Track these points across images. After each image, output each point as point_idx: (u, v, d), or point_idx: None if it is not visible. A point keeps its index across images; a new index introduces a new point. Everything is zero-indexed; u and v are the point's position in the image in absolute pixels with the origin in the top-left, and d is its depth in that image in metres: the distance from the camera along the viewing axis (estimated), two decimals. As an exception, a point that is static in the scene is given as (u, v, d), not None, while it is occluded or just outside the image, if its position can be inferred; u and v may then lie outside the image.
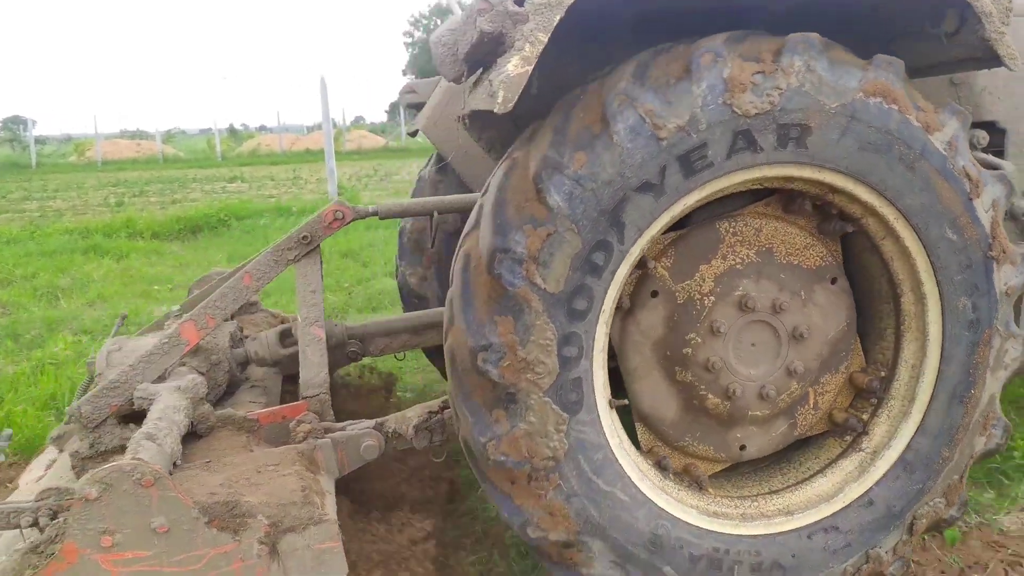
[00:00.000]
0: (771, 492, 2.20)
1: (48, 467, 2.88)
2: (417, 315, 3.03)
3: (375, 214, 2.68)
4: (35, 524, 1.84)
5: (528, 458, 1.84)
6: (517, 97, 1.66)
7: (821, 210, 2.09)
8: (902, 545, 2.15)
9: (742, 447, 2.19)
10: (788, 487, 2.20)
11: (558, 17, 1.65)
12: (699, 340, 2.04)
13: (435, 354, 3.46)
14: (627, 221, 1.78)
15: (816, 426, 2.26)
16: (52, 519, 1.84)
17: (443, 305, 3.29)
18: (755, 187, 1.95)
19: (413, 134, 3.74)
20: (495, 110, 1.66)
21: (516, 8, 1.67)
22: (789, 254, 2.10)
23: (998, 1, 1.86)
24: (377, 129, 49.10)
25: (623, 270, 1.84)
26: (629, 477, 1.95)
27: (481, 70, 1.87)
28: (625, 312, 2.06)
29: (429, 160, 3.58)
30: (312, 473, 2.00)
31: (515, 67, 1.65)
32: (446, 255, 3.41)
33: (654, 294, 2.06)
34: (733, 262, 2.06)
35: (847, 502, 2.11)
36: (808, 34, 1.83)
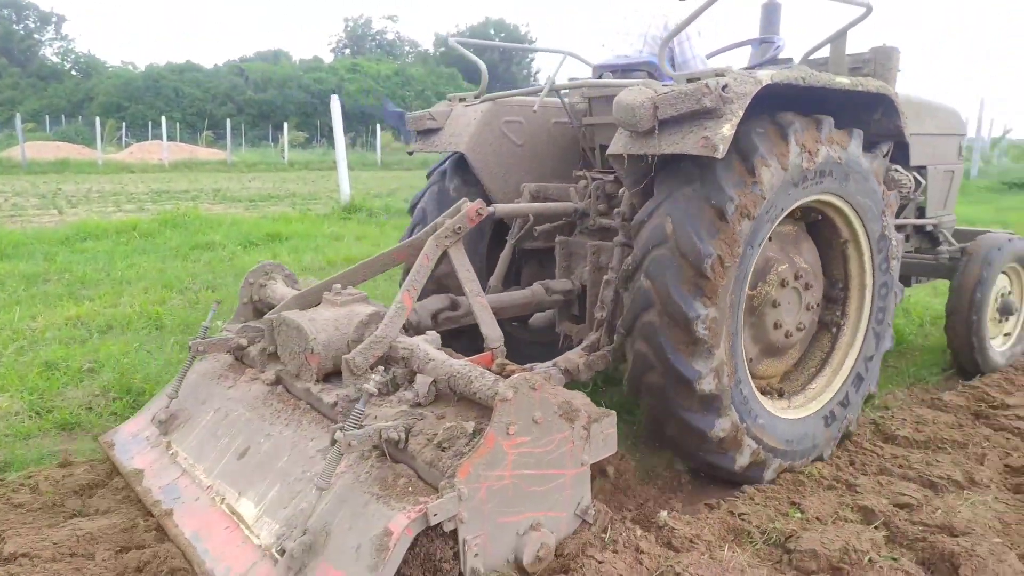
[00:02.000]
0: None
1: (166, 447, 3.08)
2: (513, 295, 3.73)
3: (492, 213, 3.38)
4: (398, 440, 2.38)
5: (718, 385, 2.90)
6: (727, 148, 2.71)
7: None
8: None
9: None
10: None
11: (748, 102, 2.75)
12: None
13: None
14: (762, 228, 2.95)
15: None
16: (407, 433, 2.41)
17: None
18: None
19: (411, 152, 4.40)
20: (716, 156, 2.68)
21: (726, 94, 2.72)
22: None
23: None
24: None
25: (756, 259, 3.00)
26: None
27: (677, 127, 2.82)
28: None
29: (438, 172, 4.27)
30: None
31: (728, 130, 2.69)
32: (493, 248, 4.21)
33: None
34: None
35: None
36: (828, 118, 3.16)
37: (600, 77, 3.89)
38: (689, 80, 2.86)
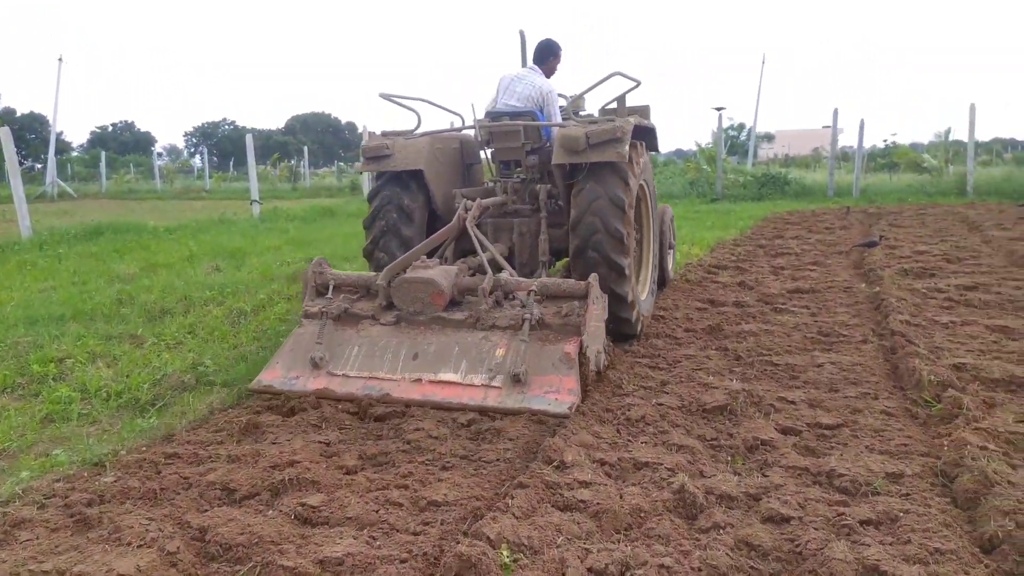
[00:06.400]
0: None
1: (327, 374, 4.66)
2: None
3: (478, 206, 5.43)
4: (540, 317, 4.53)
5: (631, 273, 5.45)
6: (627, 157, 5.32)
7: None
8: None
9: None
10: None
11: (631, 134, 5.39)
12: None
13: None
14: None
15: None
16: (542, 315, 4.58)
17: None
18: None
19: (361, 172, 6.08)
20: (623, 161, 5.27)
21: (625, 130, 5.31)
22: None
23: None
24: None
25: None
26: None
27: (601, 147, 5.31)
28: None
29: (382, 184, 6.04)
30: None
31: (627, 149, 5.28)
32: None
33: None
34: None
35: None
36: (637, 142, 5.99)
37: (496, 119, 6.19)
38: (591, 123, 5.44)
